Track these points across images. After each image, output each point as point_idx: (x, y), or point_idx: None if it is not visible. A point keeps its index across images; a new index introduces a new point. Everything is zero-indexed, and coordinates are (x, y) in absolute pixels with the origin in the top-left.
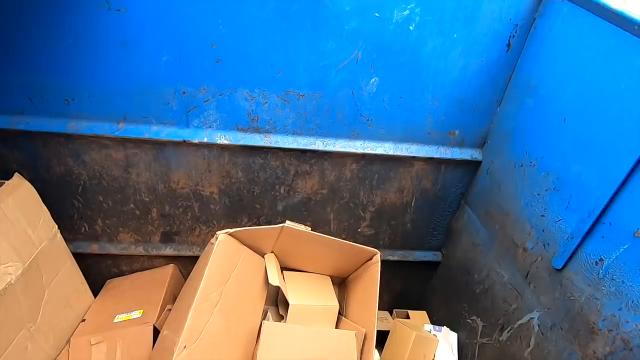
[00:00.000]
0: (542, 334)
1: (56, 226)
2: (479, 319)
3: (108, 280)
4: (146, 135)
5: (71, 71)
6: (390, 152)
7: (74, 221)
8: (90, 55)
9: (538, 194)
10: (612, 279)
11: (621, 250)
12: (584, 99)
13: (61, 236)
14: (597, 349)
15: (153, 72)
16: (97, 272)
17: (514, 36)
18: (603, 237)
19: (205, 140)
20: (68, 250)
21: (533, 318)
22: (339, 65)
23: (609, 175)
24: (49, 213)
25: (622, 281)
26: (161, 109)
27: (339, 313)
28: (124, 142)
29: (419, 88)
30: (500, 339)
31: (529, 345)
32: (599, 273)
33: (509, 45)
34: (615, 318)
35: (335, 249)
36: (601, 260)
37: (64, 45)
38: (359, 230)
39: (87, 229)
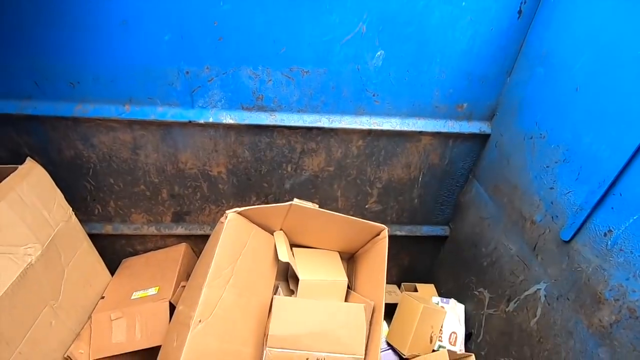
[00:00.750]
0: (549, 304)
1: (70, 208)
2: (486, 291)
3: (123, 260)
4: (152, 117)
5: (74, 54)
6: (397, 128)
7: (87, 203)
8: (91, 36)
9: (547, 166)
10: (621, 250)
11: (631, 220)
12: (597, 66)
13: (76, 218)
14: (602, 317)
15: (155, 52)
16: (112, 252)
17: (525, 2)
18: (612, 208)
19: (210, 120)
20: (84, 231)
21: (540, 289)
22: (343, 39)
23: (621, 145)
24: (62, 196)
25: (631, 251)
26: (165, 90)
27: (348, 287)
28: (130, 124)
29: (426, 60)
30: (507, 309)
31: (535, 315)
32: (607, 244)
33: (520, 12)
34: (622, 288)
35: (343, 226)
36: (610, 231)
37: (64, 26)
38: (366, 206)
39: (100, 210)
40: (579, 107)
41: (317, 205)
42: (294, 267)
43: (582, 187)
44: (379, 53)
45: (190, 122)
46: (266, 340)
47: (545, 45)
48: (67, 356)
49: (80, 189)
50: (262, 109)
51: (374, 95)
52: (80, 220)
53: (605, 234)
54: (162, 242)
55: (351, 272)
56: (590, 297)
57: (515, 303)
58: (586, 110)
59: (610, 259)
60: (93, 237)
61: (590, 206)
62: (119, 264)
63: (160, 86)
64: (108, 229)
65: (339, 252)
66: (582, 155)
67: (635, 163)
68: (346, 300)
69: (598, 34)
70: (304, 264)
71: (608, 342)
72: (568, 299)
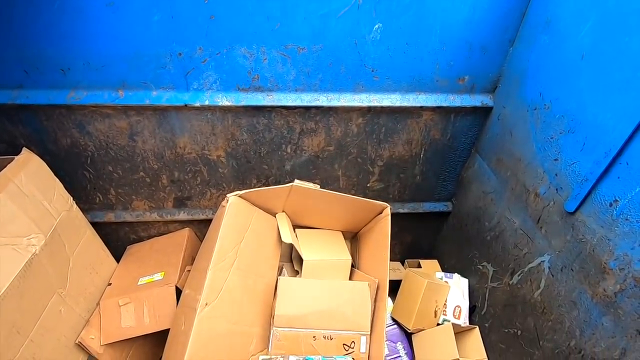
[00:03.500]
0: (553, 275)
1: (71, 198)
2: (490, 265)
3: (128, 246)
4: (147, 102)
5: (62, 39)
6: (397, 104)
7: (87, 192)
8: (78, 20)
9: (552, 138)
10: (626, 219)
11: (637, 189)
12: (604, 32)
13: (77, 207)
14: (607, 287)
15: (145, 34)
16: (116, 239)
17: None
18: (619, 177)
19: (206, 103)
20: (86, 220)
21: (544, 261)
22: (339, 12)
23: (627, 113)
24: (62, 185)
25: (637, 220)
26: (159, 73)
27: (352, 266)
28: (125, 110)
29: (426, 32)
30: (511, 282)
31: (539, 287)
32: (612, 214)
33: None
34: (627, 257)
35: (345, 205)
36: (616, 201)
37: (50, 10)
38: (368, 185)
39: (101, 198)
40: (585, 76)
41: (319, 186)
42: (297, 248)
43: (588, 157)
44: (376, 26)
45: (185, 105)
46: (273, 320)
47: (550, 11)
48: (79, 342)
49: (80, 178)
50: (258, 89)
51: (372, 71)
52: (81, 209)
53: (610, 204)
54: (165, 227)
55: (355, 251)
56: (594, 268)
57: (519, 276)
58: (592, 79)
59: (616, 228)
60: (96, 226)
61: (596, 176)
62: (124, 251)
63: (153, 69)
64: (110, 216)
65: (342, 232)
66: (587, 125)
67: None
68: (350, 278)
69: None
70: (307, 245)
71: (612, 311)
72: (572, 270)
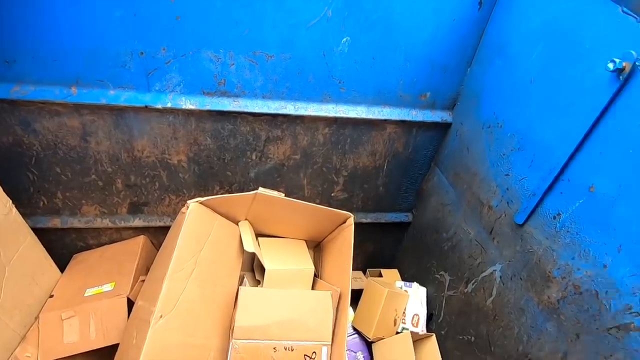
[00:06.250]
0: (503, 284)
1: (10, 201)
2: (447, 274)
3: (75, 255)
4: (103, 101)
5: (9, 27)
6: (363, 116)
7: (30, 195)
8: (29, 8)
9: (504, 154)
10: (568, 231)
11: (577, 204)
12: (550, 59)
13: (17, 211)
14: (551, 294)
15: (105, 30)
16: (61, 247)
17: None
18: (561, 192)
19: (168, 105)
20: (27, 225)
21: (495, 270)
22: (308, 23)
23: (569, 134)
24: (0, 187)
25: (577, 232)
26: (118, 72)
27: (315, 275)
28: (78, 108)
29: (391, 48)
30: (466, 290)
31: (491, 295)
32: (556, 226)
33: (480, 3)
34: (568, 266)
35: (310, 214)
36: (559, 214)
37: None
38: (332, 194)
39: (45, 202)
40: (533, 98)
41: (283, 194)
42: (259, 257)
43: (535, 173)
44: (344, 39)
45: (146, 106)
46: (232, 332)
47: (503, 36)
48: None
49: (22, 180)
50: (224, 94)
51: (340, 83)
52: (22, 214)
53: (554, 217)
54: (118, 235)
55: (318, 260)
56: (540, 276)
57: (473, 284)
58: (539, 102)
59: (559, 240)
60: (38, 232)
61: (542, 191)
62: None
63: (111, 67)
64: (55, 222)
65: (306, 241)
66: (535, 144)
67: (582, 152)
68: (313, 288)
69: (551, 28)
70: (270, 254)
71: (555, 317)
72: (521, 279)
